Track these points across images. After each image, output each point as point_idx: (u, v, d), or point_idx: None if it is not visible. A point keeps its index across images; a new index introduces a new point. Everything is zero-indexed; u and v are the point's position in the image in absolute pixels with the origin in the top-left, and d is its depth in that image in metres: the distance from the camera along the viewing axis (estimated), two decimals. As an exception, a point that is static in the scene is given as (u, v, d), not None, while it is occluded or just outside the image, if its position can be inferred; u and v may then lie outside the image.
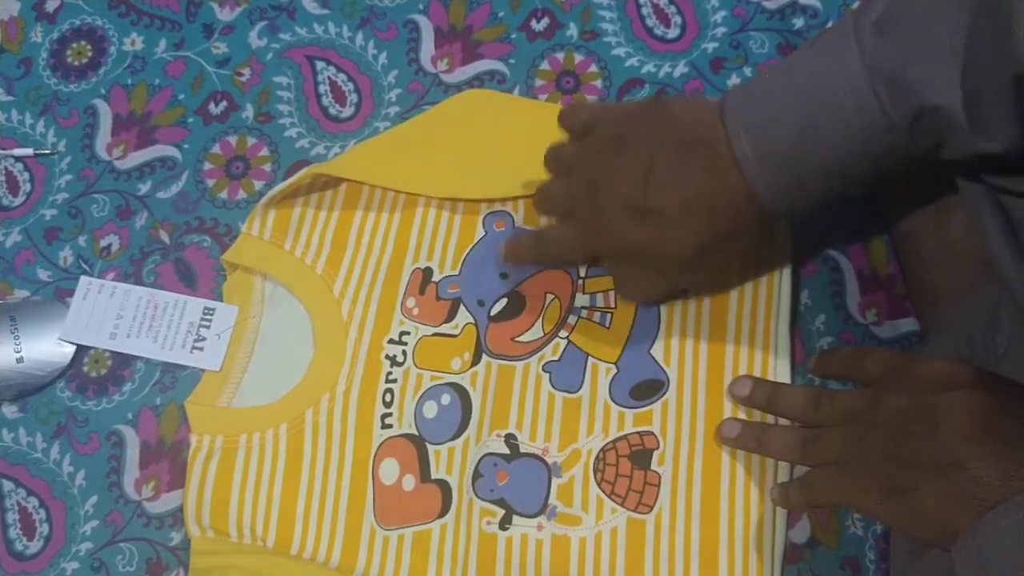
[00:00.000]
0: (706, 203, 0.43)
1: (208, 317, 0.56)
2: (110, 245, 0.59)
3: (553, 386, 0.52)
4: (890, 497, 0.40)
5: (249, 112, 0.62)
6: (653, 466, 0.50)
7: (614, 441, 0.51)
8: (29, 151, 0.61)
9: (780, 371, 0.51)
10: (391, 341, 0.54)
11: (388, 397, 0.53)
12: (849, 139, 0.40)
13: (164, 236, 0.59)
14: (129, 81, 0.63)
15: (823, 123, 0.40)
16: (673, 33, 0.62)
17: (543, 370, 0.52)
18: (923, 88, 0.37)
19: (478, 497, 0.50)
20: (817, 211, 0.44)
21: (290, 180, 0.56)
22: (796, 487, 0.46)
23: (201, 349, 0.55)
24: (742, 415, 0.50)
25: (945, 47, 0.36)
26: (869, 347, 0.50)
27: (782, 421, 0.50)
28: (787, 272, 0.53)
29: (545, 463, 0.51)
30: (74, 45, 0.65)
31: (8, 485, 0.54)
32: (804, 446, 0.46)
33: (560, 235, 0.50)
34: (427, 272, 0.55)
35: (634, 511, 0.49)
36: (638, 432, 0.51)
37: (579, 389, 0.52)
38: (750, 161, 0.41)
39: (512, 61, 0.62)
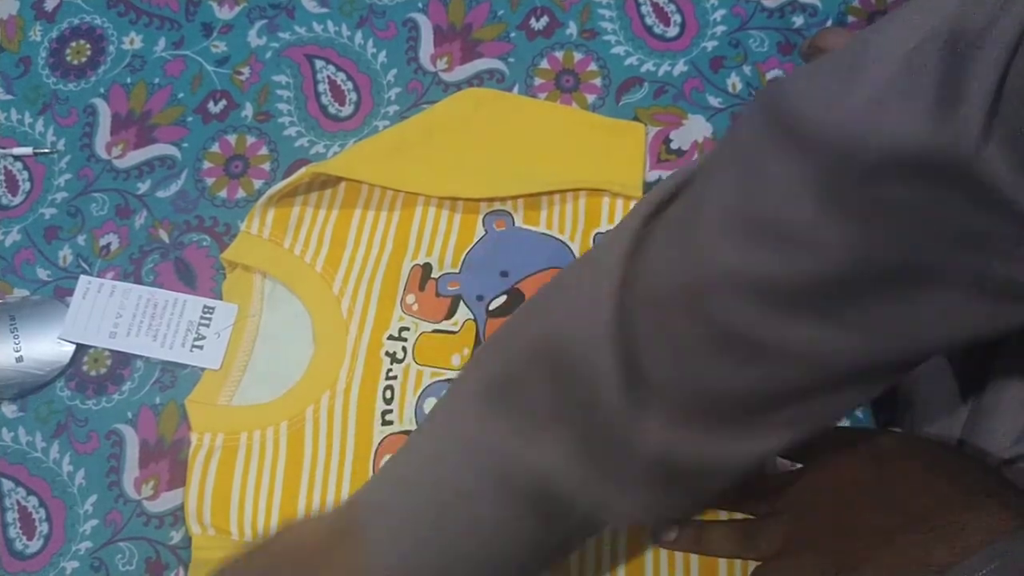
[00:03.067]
0: None
1: (208, 315, 0.56)
2: (109, 244, 0.59)
3: (553, 383, 0.52)
4: (842, 574, 0.39)
5: (248, 111, 0.62)
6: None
7: (615, 438, 0.51)
8: (28, 150, 0.61)
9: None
10: (391, 337, 0.54)
11: (388, 394, 0.53)
12: (483, 539, 0.36)
13: (163, 235, 0.59)
14: (128, 80, 0.63)
15: (451, 518, 0.36)
16: (672, 32, 0.62)
17: (543, 367, 0.52)
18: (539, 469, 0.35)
19: (479, 494, 0.50)
20: None
21: (289, 179, 0.56)
22: None
23: (201, 347, 0.55)
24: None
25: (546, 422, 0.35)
26: None
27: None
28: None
29: (546, 460, 0.50)
30: (73, 44, 0.65)
31: (8, 484, 0.54)
32: (746, 539, 0.43)
33: None
34: (426, 268, 0.55)
35: (635, 508, 0.49)
36: (639, 429, 0.51)
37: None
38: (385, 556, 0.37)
39: (511, 60, 0.62)
